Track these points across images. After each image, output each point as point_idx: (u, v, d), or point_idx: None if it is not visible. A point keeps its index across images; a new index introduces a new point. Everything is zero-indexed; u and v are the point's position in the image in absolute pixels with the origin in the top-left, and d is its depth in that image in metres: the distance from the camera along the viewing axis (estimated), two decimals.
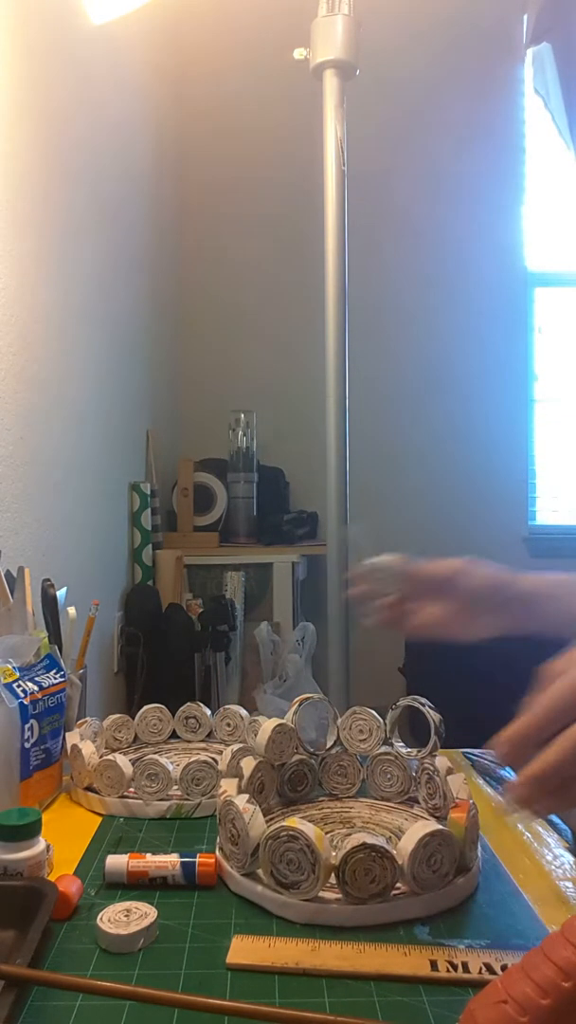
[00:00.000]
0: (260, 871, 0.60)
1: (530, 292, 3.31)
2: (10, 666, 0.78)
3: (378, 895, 0.58)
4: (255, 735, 0.76)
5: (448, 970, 0.52)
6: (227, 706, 0.97)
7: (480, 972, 0.51)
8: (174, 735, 0.97)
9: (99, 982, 0.47)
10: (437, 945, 0.55)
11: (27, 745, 0.76)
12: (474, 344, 3.26)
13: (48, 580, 0.98)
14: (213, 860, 0.63)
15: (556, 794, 0.47)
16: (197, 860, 0.62)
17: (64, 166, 1.59)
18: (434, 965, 0.52)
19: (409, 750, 0.80)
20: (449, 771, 0.73)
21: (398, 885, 0.59)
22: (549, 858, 0.68)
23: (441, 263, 3.25)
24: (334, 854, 0.58)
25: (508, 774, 0.89)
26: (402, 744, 0.81)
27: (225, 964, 0.52)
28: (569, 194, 3.31)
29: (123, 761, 0.79)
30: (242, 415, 2.69)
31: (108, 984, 0.47)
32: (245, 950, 0.54)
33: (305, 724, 0.80)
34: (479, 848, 0.66)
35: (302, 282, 3.13)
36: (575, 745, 0.46)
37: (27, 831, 0.60)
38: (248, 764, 0.73)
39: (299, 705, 0.79)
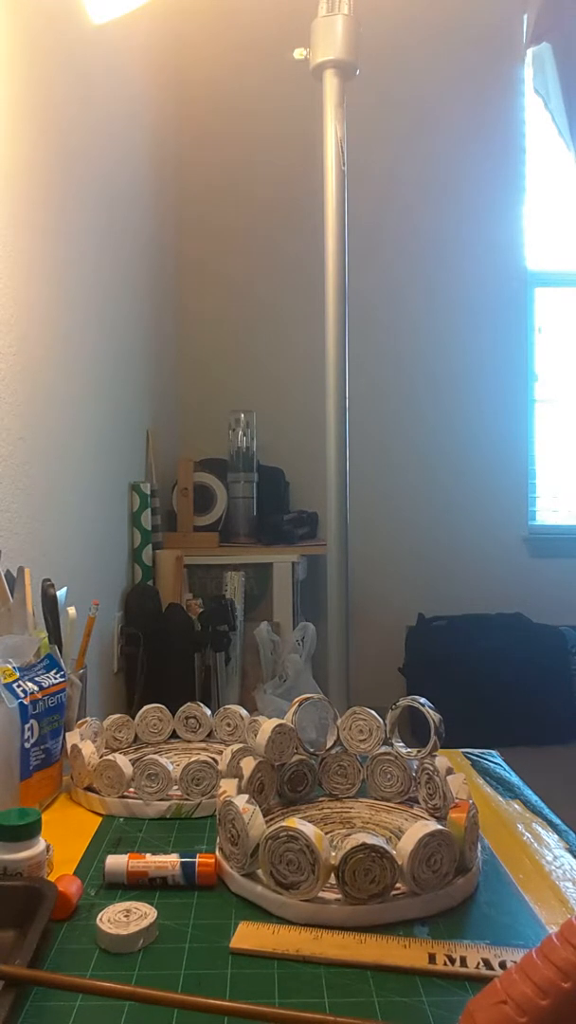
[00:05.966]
0: (260, 871, 0.60)
1: (530, 292, 3.31)
2: (10, 666, 0.78)
3: (378, 895, 0.58)
4: (255, 735, 0.76)
5: (446, 963, 0.52)
6: (227, 706, 0.97)
7: (478, 967, 0.52)
8: (174, 735, 0.97)
9: (99, 982, 0.47)
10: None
11: (27, 745, 0.76)
12: (474, 344, 3.26)
13: (48, 580, 0.98)
14: (213, 860, 0.63)
15: None
16: (197, 860, 0.63)
17: (64, 166, 1.59)
18: (432, 958, 0.52)
19: (409, 750, 0.80)
20: (449, 771, 0.73)
21: (398, 885, 0.59)
22: (549, 858, 0.68)
23: (441, 263, 3.25)
24: (334, 854, 0.58)
25: (510, 774, 0.89)
26: (402, 744, 0.81)
27: (228, 949, 0.54)
28: (569, 194, 3.31)
29: (123, 761, 0.79)
30: (242, 415, 2.69)
31: (108, 984, 0.47)
32: (250, 935, 0.55)
33: (305, 724, 0.80)
34: (479, 848, 0.66)
35: (302, 282, 3.14)
36: None
37: (27, 831, 0.60)
38: (248, 764, 0.73)
39: (299, 705, 0.79)
